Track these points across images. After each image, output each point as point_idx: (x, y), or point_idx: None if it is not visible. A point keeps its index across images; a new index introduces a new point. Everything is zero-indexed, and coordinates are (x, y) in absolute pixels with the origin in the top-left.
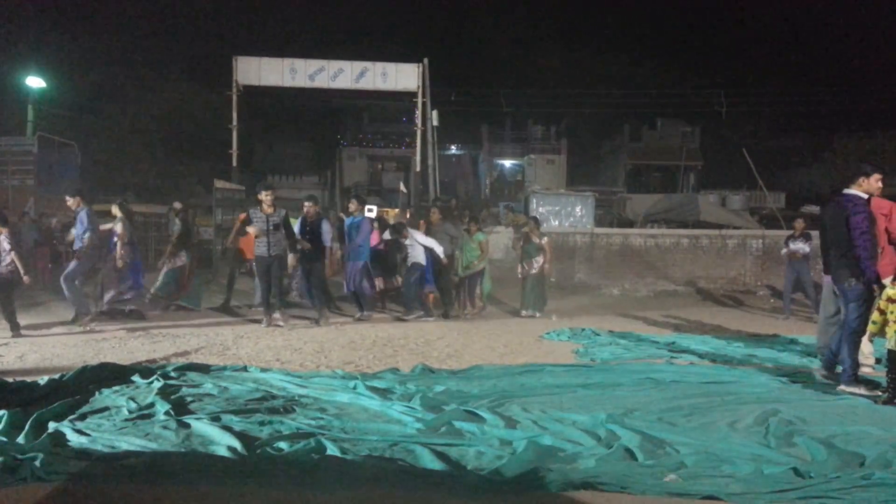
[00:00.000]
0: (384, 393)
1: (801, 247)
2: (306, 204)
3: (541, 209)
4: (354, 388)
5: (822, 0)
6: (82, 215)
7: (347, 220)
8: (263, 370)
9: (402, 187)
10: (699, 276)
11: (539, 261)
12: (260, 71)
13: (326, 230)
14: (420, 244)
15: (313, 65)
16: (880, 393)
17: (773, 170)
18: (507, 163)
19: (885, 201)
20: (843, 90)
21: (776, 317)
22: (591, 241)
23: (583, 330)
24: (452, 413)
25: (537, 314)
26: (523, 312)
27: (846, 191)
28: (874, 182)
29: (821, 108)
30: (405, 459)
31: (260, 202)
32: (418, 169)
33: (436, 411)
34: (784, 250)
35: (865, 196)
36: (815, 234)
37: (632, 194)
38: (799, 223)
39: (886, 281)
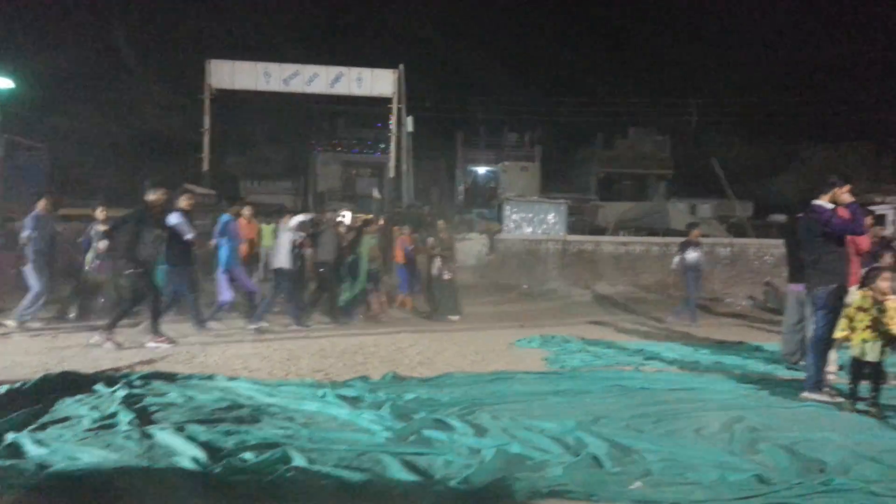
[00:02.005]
0: (354, 401)
1: (694, 255)
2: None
3: (514, 216)
4: (323, 396)
5: (788, 15)
6: (27, 219)
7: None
8: (230, 379)
9: (376, 193)
10: (669, 283)
11: (450, 265)
12: (233, 75)
13: (177, 222)
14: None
15: (288, 69)
16: (842, 400)
17: (743, 179)
18: (482, 169)
19: (853, 211)
20: (810, 102)
21: (731, 323)
22: (563, 247)
23: (553, 337)
24: (422, 422)
25: (454, 317)
26: (443, 317)
27: (815, 202)
28: (843, 193)
29: (788, 119)
30: (373, 469)
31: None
32: (392, 175)
33: (405, 420)
34: (677, 258)
35: (831, 206)
36: (716, 241)
37: (604, 202)
38: (695, 232)
39: (852, 290)
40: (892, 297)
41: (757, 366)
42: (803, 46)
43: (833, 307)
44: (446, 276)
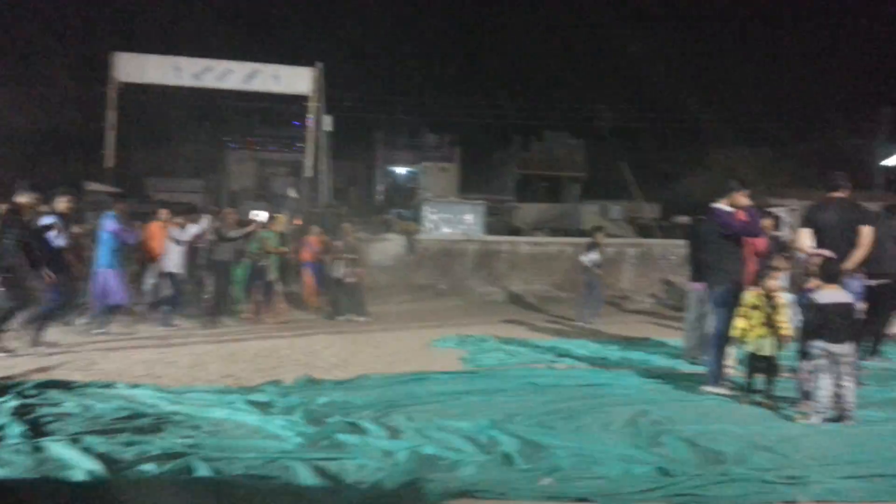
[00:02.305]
0: (264, 407)
1: (596, 256)
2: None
3: (433, 216)
4: (232, 402)
5: (695, 27)
6: None
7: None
8: (132, 386)
9: (292, 193)
10: (582, 282)
11: (358, 269)
12: (142, 69)
13: (47, 226)
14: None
15: (199, 64)
16: (739, 393)
17: (651, 182)
18: (401, 170)
19: (751, 214)
20: (715, 108)
21: (638, 320)
22: (481, 247)
23: (470, 336)
24: (335, 425)
25: (361, 318)
26: (344, 317)
27: (715, 205)
28: (741, 197)
29: (694, 126)
30: (282, 477)
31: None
32: (309, 174)
33: (318, 424)
34: (585, 257)
35: (731, 209)
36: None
37: (521, 203)
38: (598, 235)
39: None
40: (781, 294)
41: (661, 361)
42: (709, 57)
43: (730, 305)
44: (349, 279)
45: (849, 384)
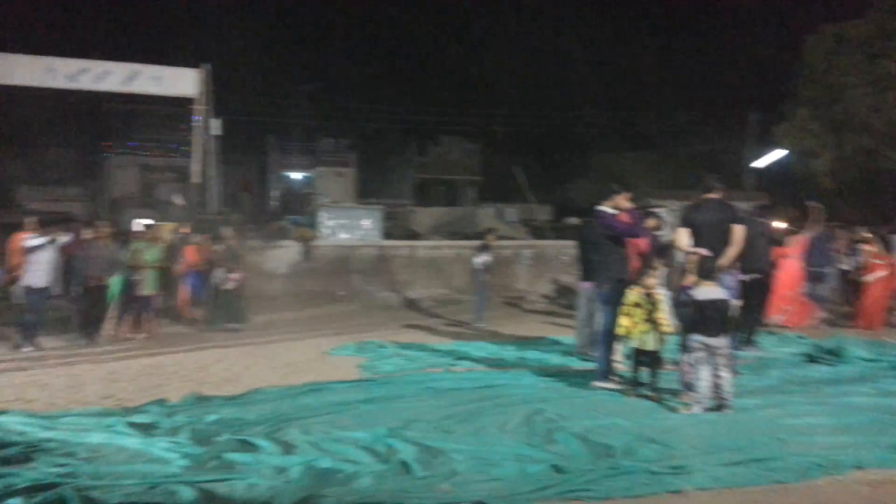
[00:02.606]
0: (147, 428)
1: (487, 258)
2: None
3: (330, 222)
4: (111, 425)
5: (585, 33)
6: None
7: None
8: None
9: (178, 200)
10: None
11: (235, 273)
12: (12, 69)
13: None
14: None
15: (74, 65)
16: (627, 386)
17: (545, 184)
18: (296, 175)
19: (631, 216)
20: (602, 114)
21: (533, 320)
22: (379, 253)
23: (368, 343)
24: (224, 444)
25: (237, 326)
26: (220, 326)
27: (599, 207)
28: (622, 200)
29: (583, 130)
30: (165, 503)
31: None
32: (196, 180)
33: (206, 444)
34: (477, 259)
35: (614, 212)
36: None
37: (419, 207)
38: (490, 237)
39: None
40: (659, 291)
41: (556, 359)
42: (598, 64)
43: (616, 303)
44: (228, 286)
45: (725, 374)
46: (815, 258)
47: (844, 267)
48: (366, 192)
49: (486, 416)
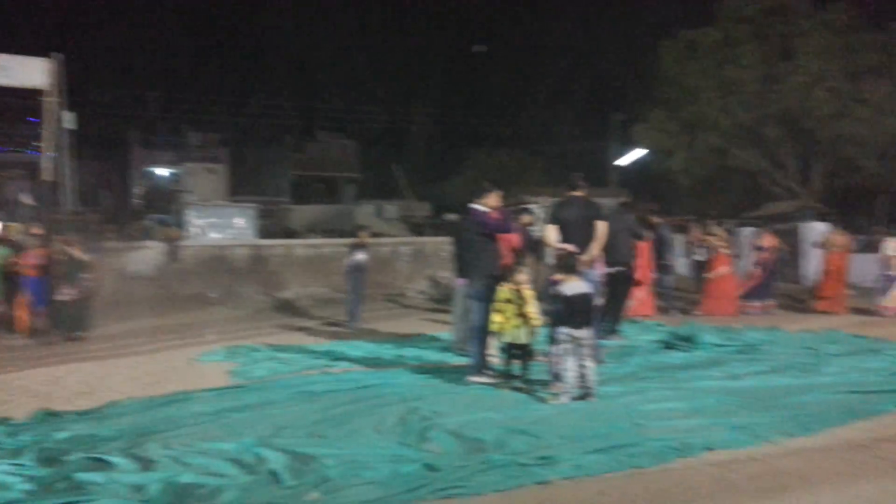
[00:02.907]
0: None
1: (362, 256)
2: None
3: (199, 221)
4: None
5: (457, 37)
6: None
7: None
8: None
9: (26, 199)
10: None
11: (84, 279)
12: None
13: None
14: None
15: None
16: (499, 380)
17: (424, 181)
18: (162, 171)
19: (502, 213)
20: (477, 113)
21: (412, 316)
22: (253, 252)
23: (240, 347)
24: (74, 464)
25: (78, 335)
26: (58, 335)
27: (472, 204)
28: (494, 197)
29: (460, 127)
30: None
31: None
32: (48, 178)
33: (54, 465)
34: (350, 259)
35: (487, 209)
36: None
37: (296, 205)
38: (362, 234)
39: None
40: (528, 286)
41: (433, 356)
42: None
43: (488, 299)
44: (68, 294)
45: (590, 364)
46: (661, 251)
47: (698, 258)
48: (239, 190)
49: (361, 418)
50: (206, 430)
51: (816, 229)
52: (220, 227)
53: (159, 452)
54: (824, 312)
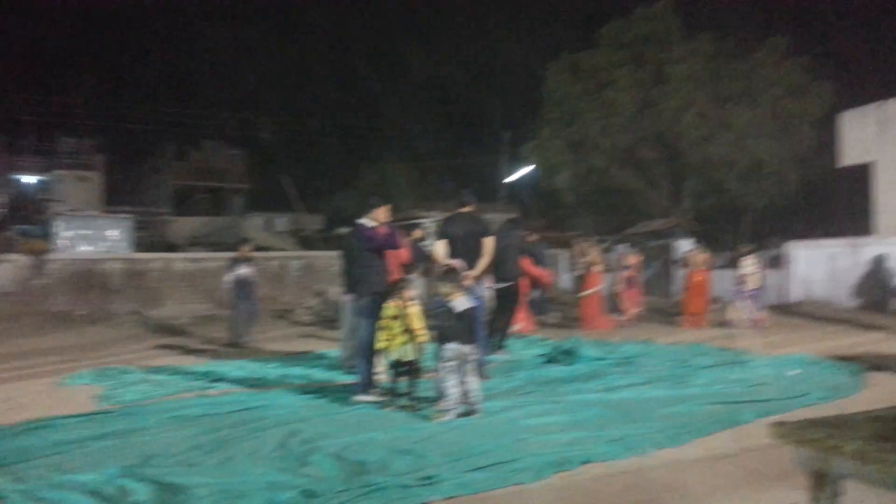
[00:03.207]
0: None
1: (245, 271)
2: None
3: (68, 233)
4: None
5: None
6: None
7: None
8: None
9: None
10: None
11: None
12: None
13: None
14: None
15: None
16: (387, 398)
17: (316, 194)
18: (29, 178)
19: (389, 229)
20: (371, 127)
21: (301, 333)
22: (128, 267)
23: (109, 369)
24: None
25: None
26: None
27: (359, 220)
28: (382, 213)
29: (352, 141)
30: None
31: None
32: None
33: None
34: (229, 275)
35: (374, 224)
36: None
37: (178, 216)
38: (244, 248)
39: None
40: (414, 303)
41: (320, 374)
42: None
43: (375, 315)
44: None
45: (473, 380)
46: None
47: (577, 273)
48: (115, 200)
49: (238, 443)
50: (65, 460)
51: (684, 247)
52: (92, 239)
53: (9, 487)
54: (690, 327)
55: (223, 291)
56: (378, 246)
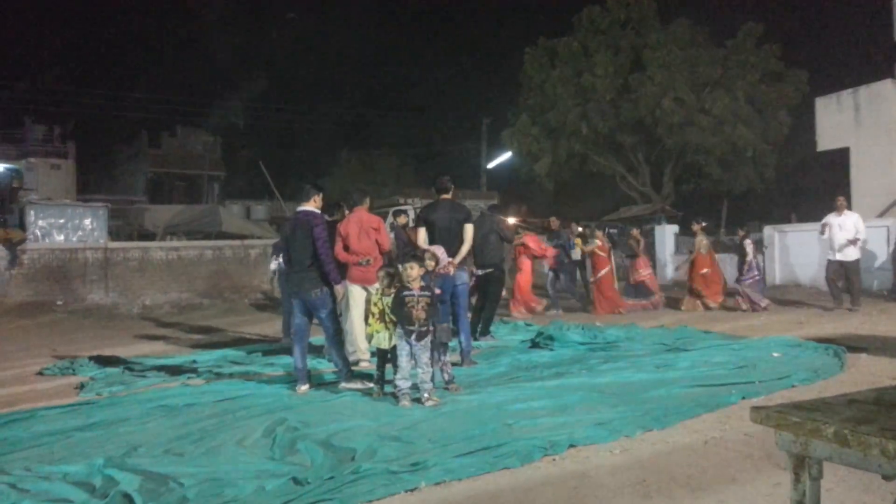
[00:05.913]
0: None
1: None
2: None
3: (41, 222)
4: None
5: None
6: None
7: None
8: None
9: None
10: (224, 286)
11: None
12: None
13: None
14: None
15: None
16: (372, 385)
17: (295, 181)
18: None
19: (374, 216)
20: (352, 113)
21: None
22: (104, 256)
23: (91, 359)
24: None
25: None
26: None
27: (302, 208)
28: (319, 199)
29: (329, 127)
30: None
31: None
32: None
33: None
34: (274, 263)
35: (319, 211)
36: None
37: (154, 205)
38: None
39: (373, 288)
40: (389, 290)
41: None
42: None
43: (332, 306)
44: None
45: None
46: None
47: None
48: (89, 188)
49: (225, 432)
50: (49, 451)
51: (668, 232)
52: (66, 228)
53: None
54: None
55: (268, 281)
56: (321, 236)
